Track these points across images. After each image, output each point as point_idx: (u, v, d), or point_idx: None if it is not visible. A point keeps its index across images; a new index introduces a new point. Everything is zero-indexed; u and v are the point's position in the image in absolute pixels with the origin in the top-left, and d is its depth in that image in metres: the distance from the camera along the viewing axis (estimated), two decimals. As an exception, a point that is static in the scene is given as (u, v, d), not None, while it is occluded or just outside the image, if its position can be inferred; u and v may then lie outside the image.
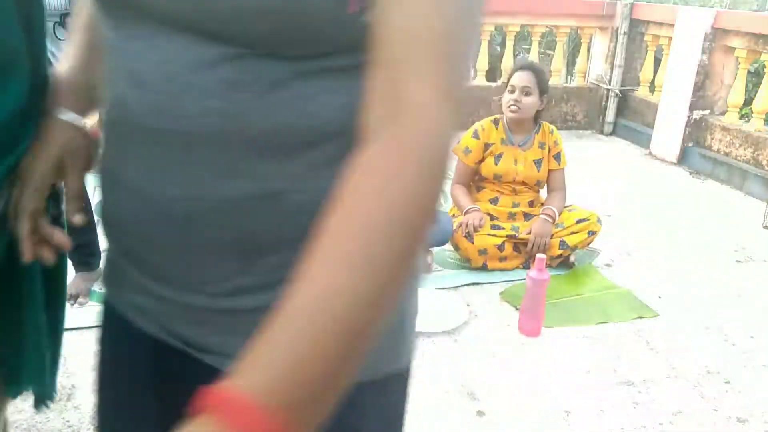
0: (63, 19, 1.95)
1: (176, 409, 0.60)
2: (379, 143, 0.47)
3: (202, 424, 0.38)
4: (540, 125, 2.82)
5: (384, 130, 0.47)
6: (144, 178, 0.58)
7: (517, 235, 2.67)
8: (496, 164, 2.77)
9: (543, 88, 2.72)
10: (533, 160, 2.78)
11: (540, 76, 2.73)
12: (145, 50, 0.56)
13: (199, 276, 0.60)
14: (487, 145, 2.79)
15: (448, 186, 3.04)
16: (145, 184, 0.58)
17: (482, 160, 2.81)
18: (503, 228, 2.70)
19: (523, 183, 2.80)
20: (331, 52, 0.55)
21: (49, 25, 1.93)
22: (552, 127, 2.86)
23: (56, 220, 0.81)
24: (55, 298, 0.89)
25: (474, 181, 2.90)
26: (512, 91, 2.71)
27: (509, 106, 2.71)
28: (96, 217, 2.20)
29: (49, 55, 1.65)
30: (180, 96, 0.55)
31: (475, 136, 2.81)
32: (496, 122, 2.83)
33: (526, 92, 2.69)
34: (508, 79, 2.77)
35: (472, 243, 2.61)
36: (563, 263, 2.76)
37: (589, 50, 5.76)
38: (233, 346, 0.60)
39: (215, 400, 0.39)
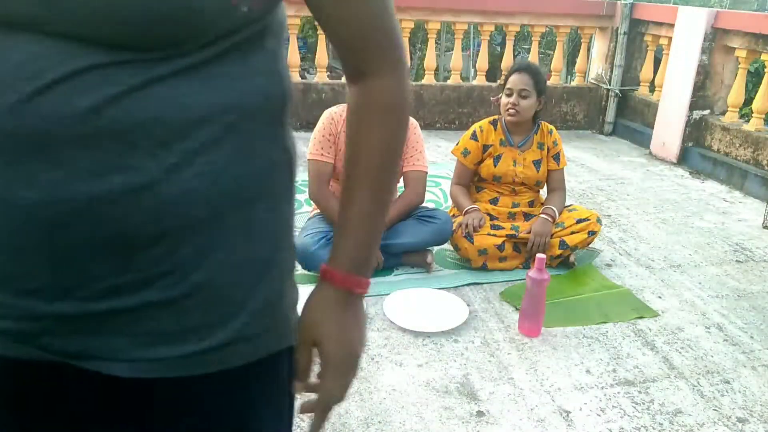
0: None
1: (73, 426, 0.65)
2: (361, 97, 0.70)
3: (320, 284, 0.73)
4: (539, 126, 2.81)
5: (363, 88, 0.70)
6: (1, 185, 0.55)
7: (517, 234, 2.67)
8: (495, 165, 2.77)
9: (540, 88, 2.70)
10: (532, 161, 2.77)
11: (537, 77, 2.71)
12: (2, 50, 0.53)
13: (68, 281, 0.58)
14: (485, 147, 2.79)
15: (447, 186, 3.05)
16: (1, 190, 0.55)
17: (481, 161, 2.80)
18: (503, 228, 2.69)
19: (523, 184, 2.80)
20: (204, 45, 0.57)
21: None
22: (551, 127, 2.86)
23: None
24: None
25: (474, 181, 2.90)
26: (510, 95, 2.70)
27: (507, 110, 2.70)
28: None
29: None
30: (44, 96, 0.52)
31: (474, 137, 2.80)
32: (494, 123, 2.82)
33: (524, 95, 2.67)
34: (505, 82, 2.75)
35: (472, 243, 2.61)
36: (563, 263, 2.76)
37: (589, 50, 5.77)
38: (119, 348, 0.62)
39: (323, 273, 0.73)
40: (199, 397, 0.67)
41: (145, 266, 0.59)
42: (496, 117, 2.83)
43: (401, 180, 2.73)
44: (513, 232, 2.68)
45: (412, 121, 2.69)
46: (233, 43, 0.59)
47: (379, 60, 0.69)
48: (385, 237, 2.58)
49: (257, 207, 0.64)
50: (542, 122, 2.83)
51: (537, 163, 2.77)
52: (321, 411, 0.74)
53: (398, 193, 2.79)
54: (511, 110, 2.69)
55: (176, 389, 0.65)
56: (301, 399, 0.76)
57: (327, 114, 2.63)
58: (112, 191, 0.55)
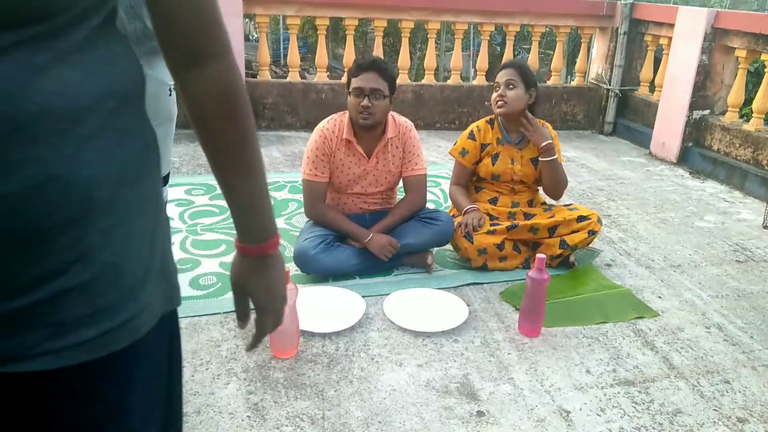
0: None
1: None
2: (202, 84, 0.75)
3: (241, 257, 0.87)
4: None
5: (200, 74, 0.74)
6: None
7: (517, 225, 2.66)
8: (493, 164, 2.76)
9: (528, 81, 2.70)
10: (530, 159, 2.77)
11: (522, 69, 2.72)
12: None
13: None
14: (483, 146, 2.79)
15: (447, 186, 3.04)
16: None
17: (479, 160, 2.80)
18: (503, 224, 2.68)
19: (522, 182, 2.79)
20: (74, 22, 0.60)
21: None
22: (546, 124, 2.84)
23: None
24: None
25: (472, 181, 2.90)
26: (497, 89, 2.72)
27: (496, 103, 2.72)
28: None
29: None
30: None
31: (471, 137, 2.80)
32: (491, 122, 2.82)
33: (510, 86, 2.68)
34: (494, 81, 2.77)
35: (472, 243, 2.60)
36: (563, 263, 2.76)
37: (589, 50, 5.77)
38: (33, 343, 0.62)
39: (242, 251, 0.86)
40: (120, 372, 0.70)
41: (57, 255, 0.61)
42: (493, 116, 2.83)
43: (401, 183, 2.72)
44: (511, 222, 2.68)
45: (408, 123, 2.67)
46: (98, 25, 0.62)
47: (213, 44, 0.74)
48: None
49: (141, 184, 0.69)
50: (537, 119, 2.82)
51: (535, 161, 2.77)
52: (259, 335, 0.92)
53: (398, 198, 2.79)
54: (499, 102, 2.70)
55: (87, 373, 0.67)
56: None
57: (319, 132, 2.58)
58: (15, 188, 0.56)
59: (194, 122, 0.77)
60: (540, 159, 2.74)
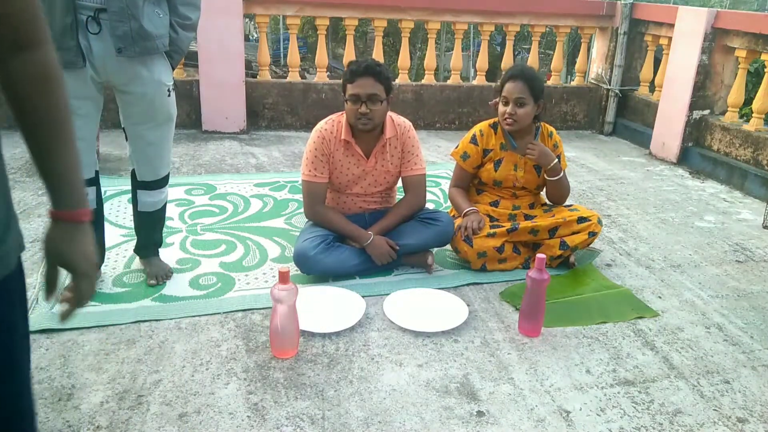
0: (97, 14, 1.98)
1: None
2: (26, 65, 0.83)
3: (55, 223, 0.92)
4: (539, 128, 2.77)
5: (23, 55, 0.83)
6: None
7: (517, 227, 2.65)
8: (495, 170, 2.74)
9: (537, 94, 2.63)
10: (533, 165, 2.75)
11: (532, 83, 2.62)
12: None
13: None
14: (486, 151, 2.76)
15: (447, 186, 3.05)
16: None
17: (481, 165, 2.78)
18: (503, 226, 2.68)
19: (524, 188, 2.78)
20: None
21: (83, 18, 1.97)
22: (551, 129, 2.83)
23: None
24: None
25: (474, 184, 2.88)
26: (506, 103, 2.64)
27: (504, 119, 2.65)
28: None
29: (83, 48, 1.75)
30: None
31: (474, 141, 2.77)
32: (494, 127, 2.78)
33: (520, 103, 2.61)
34: (501, 88, 2.68)
35: (471, 247, 2.60)
36: (563, 263, 2.75)
37: (589, 50, 5.77)
38: None
39: (56, 216, 0.91)
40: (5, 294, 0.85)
41: None
42: (496, 120, 2.78)
43: (399, 182, 2.72)
44: (511, 224, 2.67)
45: (407, 123, 2.66)
46: None
47: (37, 31, 0.83)
48: (388, 238, 2.58)
49: None
50: (543, 123, 2.79)
51: (538, 168, 2.74)
52: (80, 300, 0.95)
53: (397, 197, 2.79)
54: (508, 120, 2.64)
55: None
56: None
57: (317, 133, 2.57)
58: None
59: (14, 102, 0.85)
60: (546, 178, 2.72)
